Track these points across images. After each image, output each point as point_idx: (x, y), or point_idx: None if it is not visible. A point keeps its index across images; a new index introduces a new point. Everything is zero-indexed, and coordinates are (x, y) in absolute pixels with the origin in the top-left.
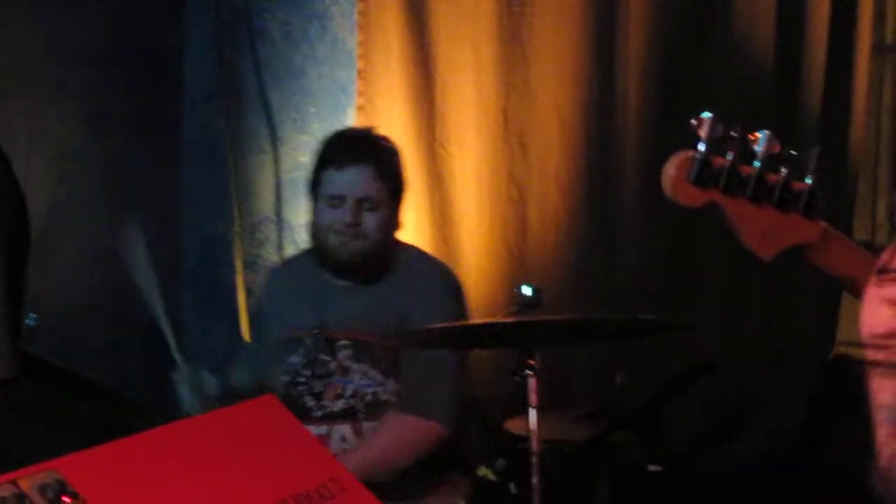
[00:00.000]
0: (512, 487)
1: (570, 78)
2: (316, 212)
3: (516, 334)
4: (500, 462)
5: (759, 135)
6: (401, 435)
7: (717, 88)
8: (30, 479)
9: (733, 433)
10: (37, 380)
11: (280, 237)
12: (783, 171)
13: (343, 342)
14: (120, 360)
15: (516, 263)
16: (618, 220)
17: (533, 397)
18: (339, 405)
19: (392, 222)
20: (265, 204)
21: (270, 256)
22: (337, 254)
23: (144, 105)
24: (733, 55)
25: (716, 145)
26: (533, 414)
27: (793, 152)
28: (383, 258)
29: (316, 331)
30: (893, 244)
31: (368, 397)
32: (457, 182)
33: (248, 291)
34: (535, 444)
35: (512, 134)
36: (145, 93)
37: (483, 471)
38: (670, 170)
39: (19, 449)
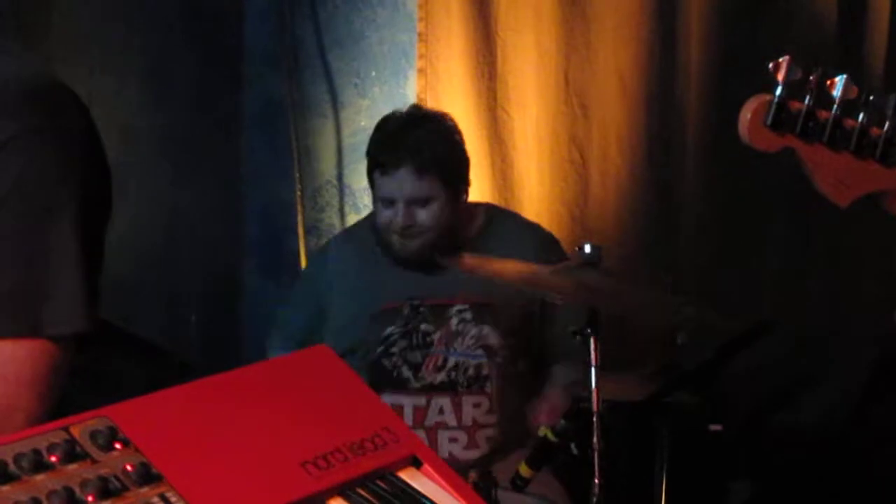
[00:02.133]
0: (573, 448)
1: (631, 40)
2: (376, 209)
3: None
4: (561, 423)
5: (836, 79)
6: None
7: (779, 50)
8: (81, 426)
9: (794, 397)
10: (98, 341)
11: (342, 201)
12: (861, 116)
13: (460, 306)
14: (178, 324)
15: (577, 226)
16: (679, 182)
17: (594, 356)
18: (440, 377)
19: (452, 208)
20: (326, 168)
21: (332, 221)
22: (399, 252)
23: (205, 69)
24: (795, 16)
25: (793, 89)
26: (593, 373)
27: (871, 97)
28: (449, 243)
29: (417, 300)
30: None
31: (470, 370)
32: (518, 145)
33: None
34: (595, 404)
35: (573, 96)
36: (206, 57)
37: (543, 431)
38: (746, 114)
39: (79, 410)
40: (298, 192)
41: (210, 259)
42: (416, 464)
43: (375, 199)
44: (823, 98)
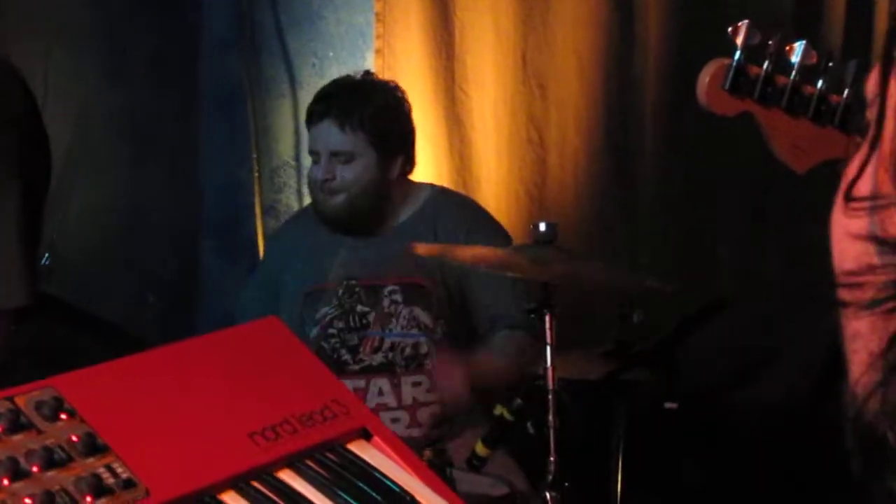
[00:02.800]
0: (529, 426)
1: (589, 19)
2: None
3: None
4: (517, 401)
5: (796, 45)
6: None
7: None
8: (26, 396)
9: (751, 374)
10: (53, 319)
11: (299, 182)
12: (820, 83)
13: (391, 287)
14: (135, 305)
15: (535, 206)
16: (636, 161)
17: (549, 335)
18: (378, 359)
19: (381, 171)
20: (284, 149)
21: (290, 201)
22: (321, 210)
23: (162, 50)
24: None
25: (752, 54)
26: (549, 352)
27: (830, 64)
28: (377, 209)
29: (353, 280)
30: (854, 155)
31: (408, 350)
32: (476, 125)
33: (267, 237)
34: (551, 383)
35: (531, 76)
36: (163, 38)
37: (499, 410)
38: (704, 77)
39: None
40: (256, 173)
41: (167, 239)
42: (366, 436)
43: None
44: (782, 64)
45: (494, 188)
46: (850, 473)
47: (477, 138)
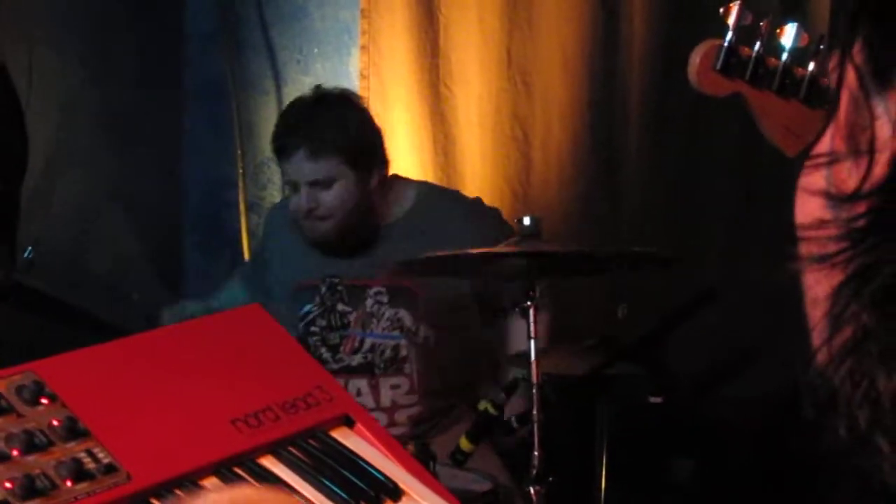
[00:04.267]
0: (513, 420)
1: (573, 15)
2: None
3: (518, 264)
4: (500, 396)
5: (787, 27)
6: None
7: (724, 26)
8: (6, 380)
9: (737, 369)
10: (34, 311)
11: (283, 178)
12: (811, 65)
13: (377, 288)
14: (118, 300)
15: (520, 203)
16: (622, 158)
17: (533, 329)
18: (357, 359)
19: (361, 188)
20: (268, 145)
21: (273, 198)
22: (310, 237)
23: (147, 45)
24: None
25: (743, 35)
26: (533, 346)
27: (822, 46)
28: (364, 223)
29: (336, 279)
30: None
31: (388, 352)
32: (460, 121)
33: (252, 233)
34: (535, 376)
35: (515, 73)
36: (147, 33)
37: (483, 405)
38: (696, 57)
39: None
40: (240, 170)
41: (151, 236)
42: (349, 423)
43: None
44: (773, 45)
45: (479, 185)
46: (837, 468)
47: (461, 135)
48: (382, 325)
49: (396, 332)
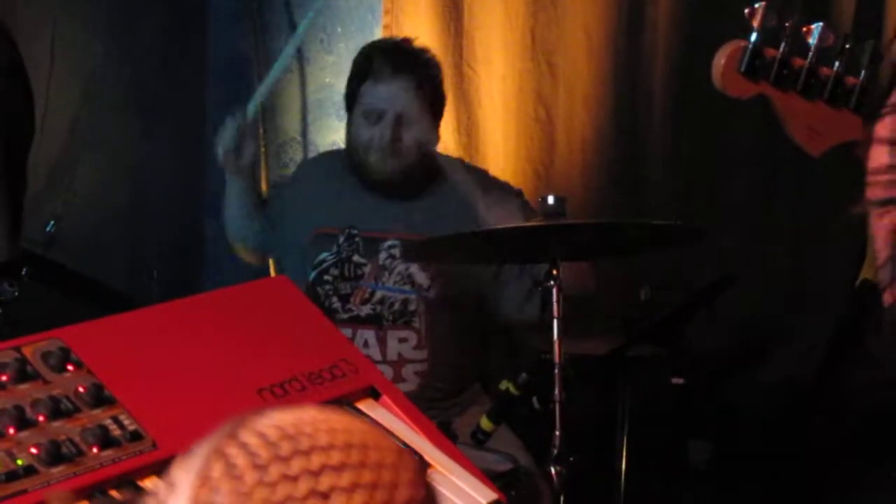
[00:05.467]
0: (535, 401)
1: None
2: (353, 128)
3: (541, 241)
4: (523, 376)
5: (813, 27)
6: None
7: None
8: (33, 346)
9: (757, 353)
10: (58, 286)
11: (306, 158)
12: (836, 65)
13: (391, 242)
14: (138, 278)
15: (543, 184)
16: (645, 140)
17: (556, 308)
18: (366, 310)
19: (431, 136)
20: (291, 125)
21: None
22: (376, 172)
23: (171, 23)
24: None
25: (768, 36)
26: (556, 325)
27: (847, 45)
28: (423, 174)
29: (355, 230)
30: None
31: (396, 305)
32: (483, 102)
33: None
34: (557, 356)
35: (539, 54)
36: (171, 11)
37: (505, 384)
38: (720, 59)
39: None
40: (263, 149)
41: (172, 214)
42: (375, 395)
43: (354, 118)
44: (798, 45)
45: (502, 165)
46: (855, 453)
47: (484, 115)
48: (394, 279)
49: (407, 287)
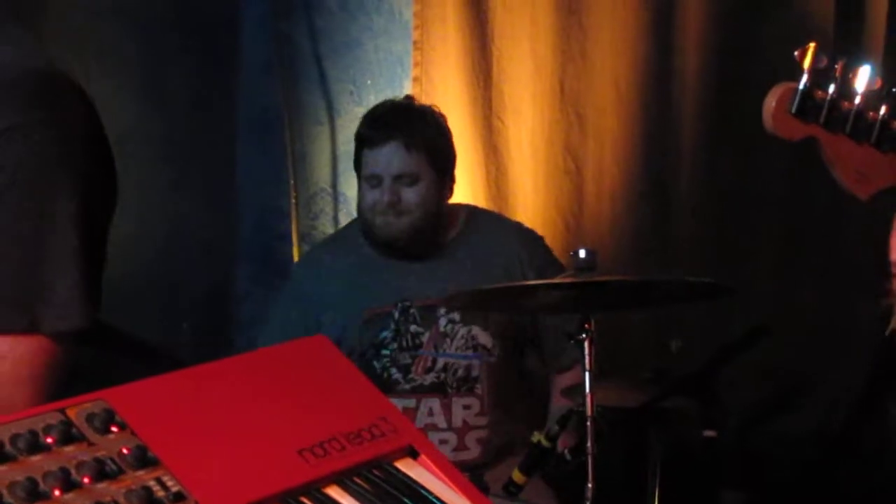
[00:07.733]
0: (566, 453)
1: (628, 48)
2: (360, 193)
3: (574, 296)
4: (554, 428)
5: (861, 70)
6: None
7: (777, 60)
8: (77, 408)
9: (789, 404)
10: (95, 343)
11: (336, 209)
12: (883, 109)
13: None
14: (171, 331)
15: (572, 236)
16: (674, 192)
17: (588, 361)
18: (429, 378)
19: (438, 192)
20: (321, 176)
21: (326, 228)
22: (383, 234)
23: (200, 76)
24: (793, 27)
25: (817, 78)
26: (588, 377)
27: (894, 89)
28: (434, 230)
29: (408, 302)
30: None
31: (460, 371)
32: (513, 153)
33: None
34: (589, 408)
35: (568, 105)
36: (201, 63)
37: (536, 437)
38: (771, 101)
39: None
40: (293, 200)
41: (204, 266)
42: (413, 454)
43: (361, 182)
44: (845, 88)
45: (531, 217)
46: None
47: (513, 167)
48: (456, 345)
49: (470, 352)
